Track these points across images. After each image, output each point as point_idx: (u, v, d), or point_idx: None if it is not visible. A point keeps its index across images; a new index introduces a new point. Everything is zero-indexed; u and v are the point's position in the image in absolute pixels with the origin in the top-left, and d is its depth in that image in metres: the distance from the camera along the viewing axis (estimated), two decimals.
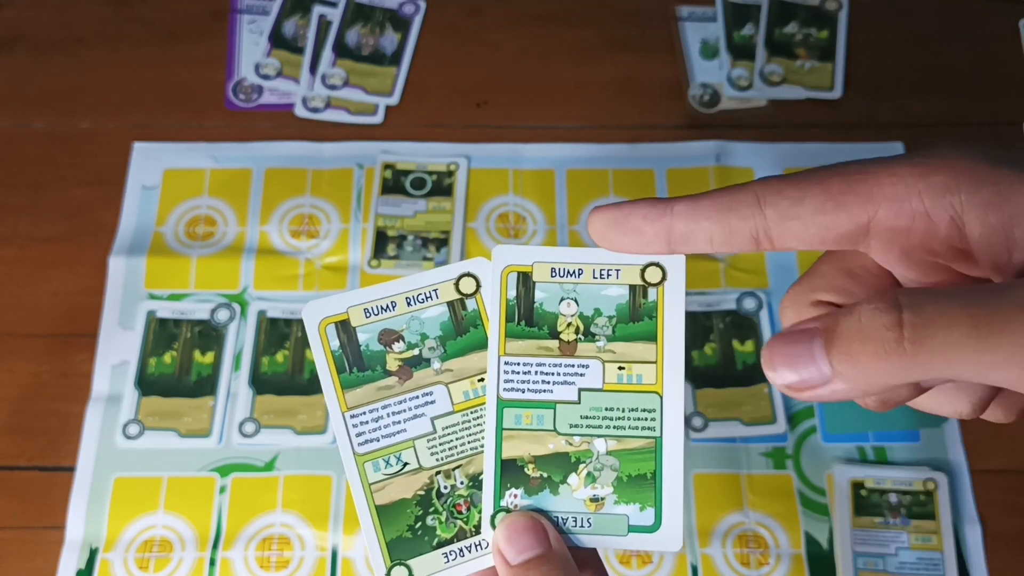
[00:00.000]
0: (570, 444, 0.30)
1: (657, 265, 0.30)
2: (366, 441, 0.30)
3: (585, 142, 0.67)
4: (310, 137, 0.67)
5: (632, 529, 0.29)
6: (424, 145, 0.67)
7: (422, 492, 0.30)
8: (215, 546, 0.54)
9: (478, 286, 0.30)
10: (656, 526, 0.29)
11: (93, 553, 0.54)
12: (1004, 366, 0.20)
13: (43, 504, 0.55)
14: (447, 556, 0.30)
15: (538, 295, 0.30)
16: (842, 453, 0.57)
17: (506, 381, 0.30)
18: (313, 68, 0.70)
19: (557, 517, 0.29)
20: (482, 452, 0.30)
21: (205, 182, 0.65)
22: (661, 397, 0.30)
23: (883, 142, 0.67)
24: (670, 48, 0.72)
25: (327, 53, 0.70)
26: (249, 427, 0.57)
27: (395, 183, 0.65)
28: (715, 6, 0.73)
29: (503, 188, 0.65)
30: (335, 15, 0.72)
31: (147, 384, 0.58)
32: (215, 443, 0.57)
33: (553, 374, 0.30)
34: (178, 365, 0.59)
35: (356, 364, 0.30)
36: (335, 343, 0.30)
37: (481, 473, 0.30)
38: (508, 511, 0.29)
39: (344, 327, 0.30)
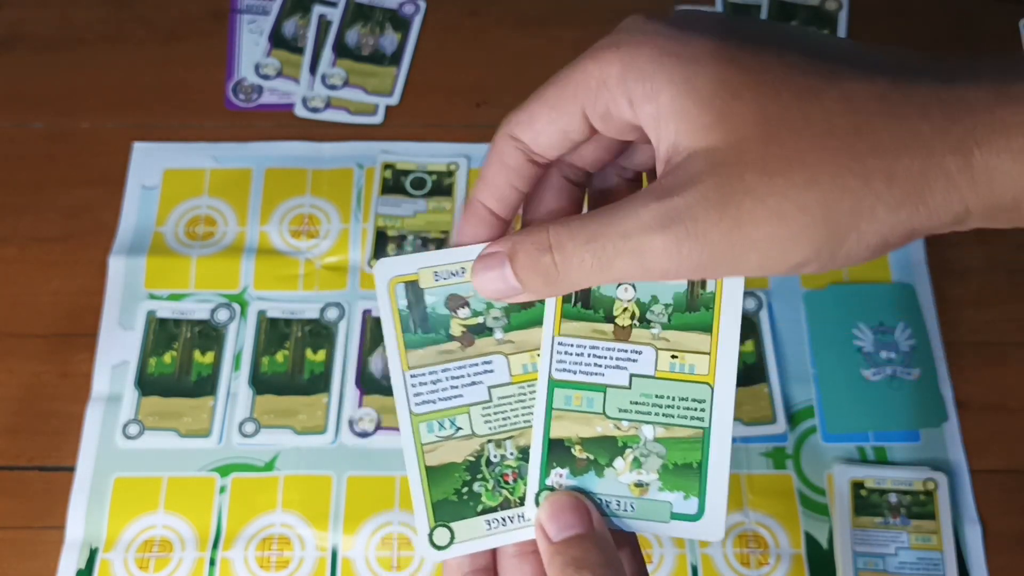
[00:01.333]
0: (618, 428, 0.30)
1: None
2: (423, 402, 0.30)
3: None
4: (310, 137, 0.67)
5: (675, 516, 0.29)
6: (424, 145, 0.67)
7: (472, 458, 0.30)
8: (215, 546, 0.54)
9: None
10: (699, 515, 0.29)
11: (93, 553, 0.54)
12: (624, 275, 0.27)
13: (43, 504, 0.55)
14: (489, 524, 0.30)
15: None
16: (842, 453, 0.57)
17: (559, 362, 0.30)
18: (313, 68, 0.70)
19: (600, 499, 0.29)
20: (531, 425, 0.30)
21: (205, 182, 0.65)
22: (712, 388, 0.30)
23: None
24: None
25: (327, 53, 0.70)
26: (249, 427, 0.57)
27: (395, 183, 0.65)
28: (715, 6, 0.73)
29: None
30: (335, 15, 0.72)
31: (147, 384, 0.58)
32: (215, 443, 0.57)
33: (606, 358, 0.30)
34: (178, 365, 0.59)
35: (421, 325, 0.31)
36: (403, 302, 0.31)
37: (528, 446, 0.30)
38: (552, 490, 0.29)
39: (413, 288, 0.31)
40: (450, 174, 0.65)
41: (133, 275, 0.62)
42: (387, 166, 0.66)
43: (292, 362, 0.59)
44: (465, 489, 0.30)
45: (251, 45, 0.71)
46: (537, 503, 0.29)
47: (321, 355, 0.59)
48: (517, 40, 0.72)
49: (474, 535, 0.30)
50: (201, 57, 0.70)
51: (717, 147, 0.25)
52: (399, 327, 0.31)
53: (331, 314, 0.61)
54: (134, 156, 0.66)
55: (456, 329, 0.31)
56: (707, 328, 0.30)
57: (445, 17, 0.72)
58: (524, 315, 0.31)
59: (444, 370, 0.31)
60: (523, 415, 0.31)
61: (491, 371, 0.31)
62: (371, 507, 0.55)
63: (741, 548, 0.54)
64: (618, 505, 0.30)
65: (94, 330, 0.60)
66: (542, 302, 0.30)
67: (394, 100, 0.69)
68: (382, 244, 0.63)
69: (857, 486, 0.54)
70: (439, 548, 0.30)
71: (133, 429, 0.57)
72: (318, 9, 0.72)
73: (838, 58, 0.25)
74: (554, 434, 0.30)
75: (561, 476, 0.30)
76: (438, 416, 0.30)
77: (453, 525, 0.30)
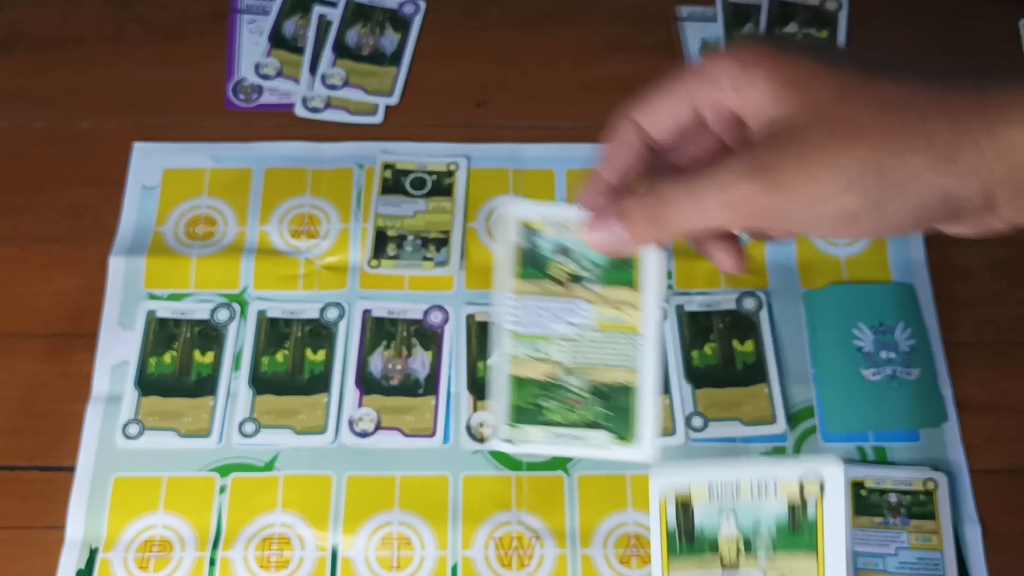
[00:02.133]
0: None
1: (815, 479, 0.32)
2: (519, 323, 0.36)
3: (585, 142, 0.67)
4: (310, 137, 0.67)
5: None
6: (424, 145, 0.67)
7: (550, 380, 0.36)
8: (215, 546, 0.54)
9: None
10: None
11: (93, 553, 0.54)
12: (713, 215, 0.32)
13: (43, 504, 0.55)
14: (552, 435, 0.35)
15: (698, 519, 0.35)
16: (842, 453, 0.57)
17: None
18: (313, 68, 0.70)
19: None
20: (609, 367, 0.35)
21: (205, 182, 0.65)
22: None
23: None
24: (670, 48, 0.72)
25: (327, 53, 0.70)
26: (249, 427, 0.57)
27: (395, 183, 0.65)
28: (715, 6, 0.73)
29: (503, 188, 0.65)
30: (335, 15, 0.72)
31: (147, 384, 0.58)
32: (215, 443, 0.57)
33: None
34: (178, 365, 0.59)
35: (531, 262, 0.36)
36: (521, 239, 0.36)
37: (602, 384, 0.35)
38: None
39: (531, 231, 0.37)
40: (450, 174, 0.65)
41: (133, 275, 0.62)
42: (387, 166, 0.66)
43: (292, 362, 0.59)
44: (538, 400, 0.36)
45: (251, 45, 0.71)
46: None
47: (321, 355, 0.59)
48: (517, 40, 0.72)
49: (538, 439, 0.35)
50: (201, 57, 0.70)
51: (798, 118, 0.31)
52: (515, 258, 0.36)
53: (331, 314, 0.61)
54: (134, 156, 0.66)
55: (558, 273, 0.36)
56: (812, 547, 0.33)
57: (445, 17, 0.72)
58: (614, 274, 0.36)
59: (542, 301, 0.36)
60: (599, 356, 0.35)
61: (579, 312, 0.36)
62: (371, 507, 0.55)
63: None
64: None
65: (94, 330, 0.60)
66: (630, 267, 0.36)
67: (394, 100, 0.69)
68: (382, 244, 0.63)
69: (857, 486, 0.54)
70: (510, 443, 0.35)
71: (133, 429, 0.57)
72: (318, 9, 0.72)
73: (891, 64, 0.32)
74: None
75: None
76: (530, 338, 0.36)
77: (524, 427, 0.35)
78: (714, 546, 0.32)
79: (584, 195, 0.37)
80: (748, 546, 0.32)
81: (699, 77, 0.34)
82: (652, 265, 0.36)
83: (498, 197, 0.65)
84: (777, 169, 0.31)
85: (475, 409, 0.58)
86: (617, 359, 0.35)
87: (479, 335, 0.60)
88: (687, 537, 0.34)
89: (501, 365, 0.36)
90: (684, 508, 0.34)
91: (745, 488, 0.33)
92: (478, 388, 0.58)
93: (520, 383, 0.36)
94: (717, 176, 0.32)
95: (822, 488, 0.31)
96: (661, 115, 0.35)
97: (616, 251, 0.36)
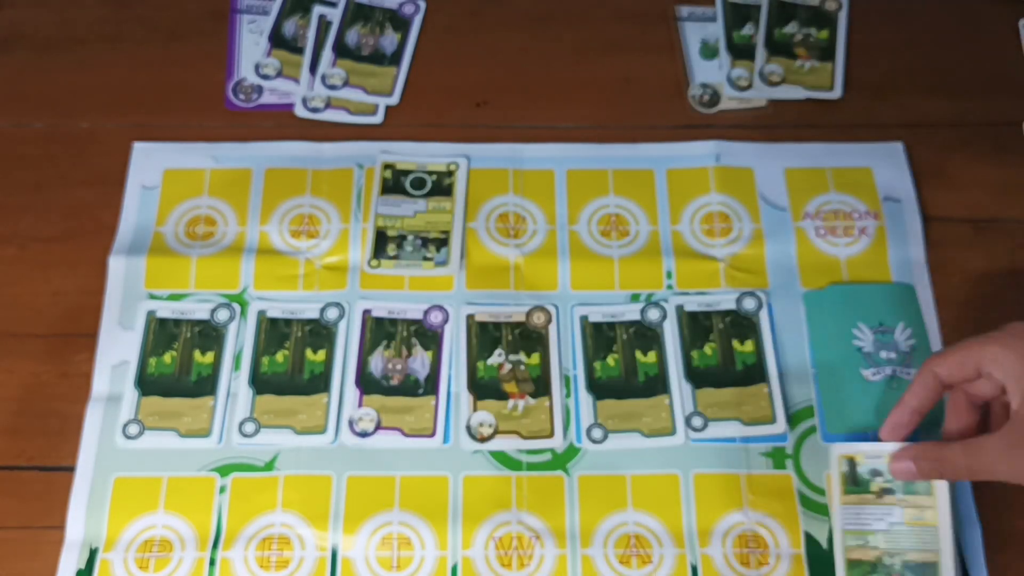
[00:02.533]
0: None
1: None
2: (850, 525, 0.51)
3: (585, 142, 0.67)
4: (310, 137, 0.67)
5: None
6: (424, 145, 0.67)
7: (874, 561, 0.50)
8: (215, 546, 0.54)
9: None
10: None
11: (93, 553, 0.54)
12: (975, 473, 0.48)
13: (43, 504, 0.55)
14: None
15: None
16: None
17: None
18: (313, 68, 0.70)
19: None
20: (921, 550, 0.49)
21: (205, 182, 0.65)
22: None
23: (883, 142, 0.67)
24: (670, 48, 0.72)
25: (327, 53, 0.70)
26: (249, 427, 0.57)
27: (395, 183, 0.65)
28: (715, 6, 0.73)
29: (503, 188, 0.65)
30: (335, 15, 0.72)
31: (147, 384, 0.58)
32: (215, 443, 0.57)
33: None
34: (178, 365, 0.59)
35: (852, 481, 0.52)
36: (845, 468, 0.52)
37: (916, 562, 0.50)
38: None
39: (851, 461, 0.52)
40: (450, 174, 0.65)
41: (133, 275, 0.62)
42: (387, 166, 0.66)
43: (292, 362, 0.59)
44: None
45: (251, 45, 0.71)
46: None
47: (321, 355, 0.59)
48: (517, 40, 0.72)
49: None
50: (201, 57, 0.70)
51: None
52: (842, 482, 0.52)
53: (331, 314, 0.61)
54: (134, 156, 0.66)
55: (875, 487, 0.51)
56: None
57: (445, 17, 0.73)
58: (913, 486, 0.51)
59: (863, 508, 0.51)
60: (910, 543, 0.50)
61: (891, 514, 0.51)
62: (371, 507, 0.55)
63: (741, 548, 0.54)
64: None
65: (94, 330, 0.60)
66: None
67: (394, 100, 0.69)
68: (382, 244, 0.63)
69: (849, 461, 0.54)
70: None
71: (133, 429, 0.57)
72: (318, 9, 0.72)
73: None
74: None
75: None
76: (856, 534, 0.51)
77: None
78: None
79: (891, 426, 0.51)
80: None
81: (976, 352, 0.48)
82: (941, 483, 0.50)
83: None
84: None
85: (475, 409, 0.58)
86: (922, 544, 0.50)
87: (479, 335, 0.60)
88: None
89: (838, 553, 0.51)
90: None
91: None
92: (478, 388, 0.58)
93: (853, 565, 0.51)
94: (981, 443, 0.47)
95: None
96: (951, 368, 0.49)
97: (910, 478, 0.50)
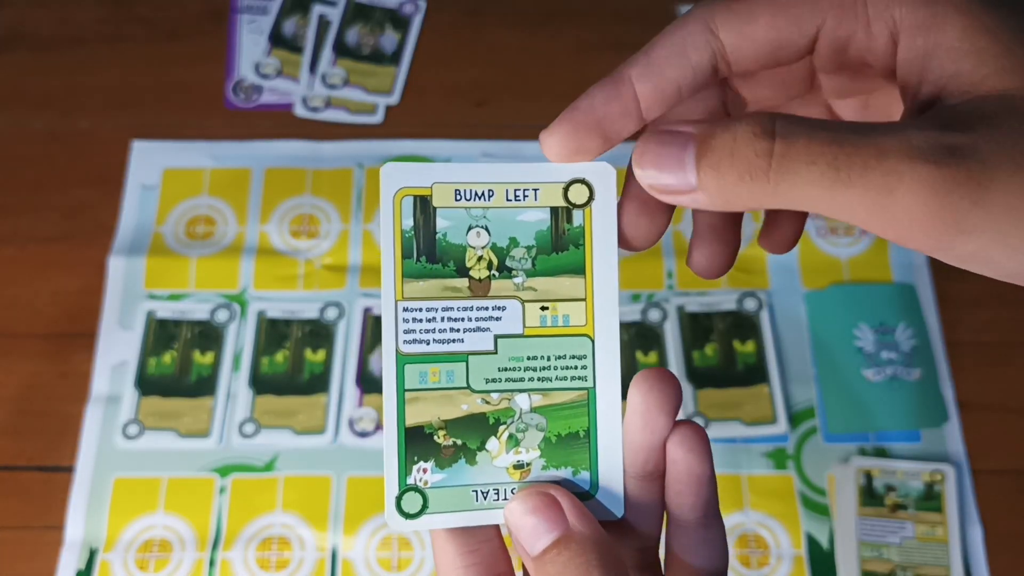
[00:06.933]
0: (487, 403, 0.25)
1: (582, 182, 0.26)
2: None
3: None
4: (310, 137, 0.67)
5: None
6: (424, 144, 0.67)
7: (887, 573, 0.31)
8: (215, 547, 0.54)
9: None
10: (593, 492, 0.25)
11: (93, 553, 0.54)
12: (853, 208, 0.21)
13: (43, 504, 0.55)
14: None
15: (440, 224, 0.25)
16: (843, 453, 0.57)
17: (406, 332, 0.25)
18: (313, 68, 0.70)
19: (476, 491, 0.25)
20: (932, 565, 0.33)
21: (205, 182, 0.65)
22: (593, 340, 0.25)
23: None
24: None
25: (327, 52, 0.70)
26: (249, 427, 0.57)
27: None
28: None
29: None
30: (335, 14, 0.72)
31: (147, 384, 0.58)
32: (215, 443, 0.57)
33: (463, 319, 0.25)
34: (178, 365, 0.59)
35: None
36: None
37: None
38: (417, 490, 0.25)
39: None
40: None
41: (133, 275, 0.61)
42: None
43: (292, 362, 0.59)
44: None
45: (251, 45, 0.71)
46: (399, 509, 0.25)
47: (321, 355, 0.59)
48: (517, 40, 0.72)
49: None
50: (201, 57, 0.70)
51: (1016, 93, 0.21)
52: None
53: (331, 314, 0.60)
54: (133, 155, 0.66)
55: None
56: (579, 270, 0.25)
57: (445, 17, 0.72)
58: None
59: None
60: (920, 560, 0.33)
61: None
62: (371, 507, 0.55)
63: (742, 548, 0.54)
64: (497, 495, 0.25)
65: (93, 330, 0.60)
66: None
67: (394, 99, 0.69)
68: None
69: (865, 475, 0.54)
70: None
71: (133, 429, 0.57)
72: (318, 8, 0.72)
73: None
74: (410, 421, 0.25)
75: (425, 471, 0.25)
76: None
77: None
78: (460, 262, 0.25)
79: (594, 91, 0.27)
80: (501, 268, 0.25)
81: None
82: (951, 501, 0.31)
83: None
84: (983, 161, 0.20)
85: None
86: (934, 560, 0.33)
87: None
88: (427, 248, 0.25)
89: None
90: (423, 205, 0.25)
91: (499, 193, 0.26)
92: None
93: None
94: (879, 138, 0.20)
95: (591, 193, 0.25)
96: (757, 29, 0.23)
97: (673, 199, 0.23)
